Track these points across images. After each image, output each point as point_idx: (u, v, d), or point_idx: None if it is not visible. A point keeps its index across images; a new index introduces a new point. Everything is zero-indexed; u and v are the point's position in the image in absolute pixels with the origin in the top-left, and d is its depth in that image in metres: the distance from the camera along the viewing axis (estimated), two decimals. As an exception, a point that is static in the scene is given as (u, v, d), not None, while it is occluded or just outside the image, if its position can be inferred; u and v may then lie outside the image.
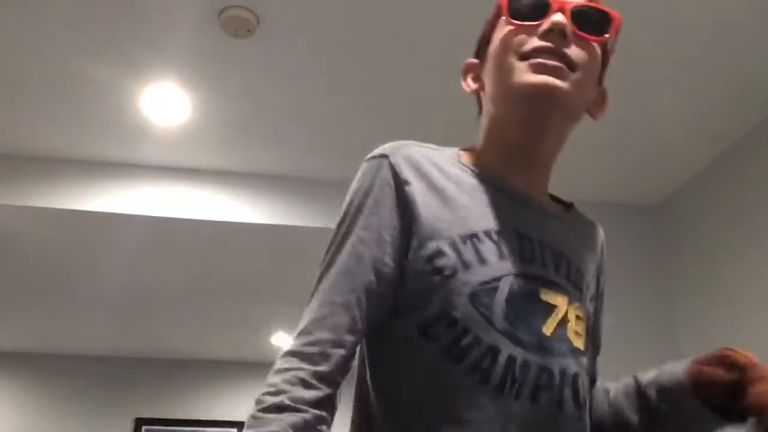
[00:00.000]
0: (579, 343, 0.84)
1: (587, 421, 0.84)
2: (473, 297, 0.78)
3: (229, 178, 3.42)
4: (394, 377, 0.81)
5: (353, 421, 0.85)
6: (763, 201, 3.02)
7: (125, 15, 2.48)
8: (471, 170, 0.90)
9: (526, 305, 0.80)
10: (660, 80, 2.85)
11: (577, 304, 0.85)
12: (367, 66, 2.76)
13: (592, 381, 0.96)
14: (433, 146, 0.91)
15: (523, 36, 0.87)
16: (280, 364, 0.77)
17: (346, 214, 0.86)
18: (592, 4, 0.89)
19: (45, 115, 3.02)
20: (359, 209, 0.84)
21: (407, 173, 0.85)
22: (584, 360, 0.85)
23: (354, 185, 0.87)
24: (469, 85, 1.02)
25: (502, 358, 0.77)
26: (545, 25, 0.86)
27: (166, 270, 3.89)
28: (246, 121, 3.08)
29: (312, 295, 0.85)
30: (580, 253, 0.92)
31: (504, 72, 0.88)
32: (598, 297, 0.97)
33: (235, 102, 2.95)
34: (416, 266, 0.81)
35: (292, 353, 0.77)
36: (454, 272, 0.79)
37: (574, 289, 0.86)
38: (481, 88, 0.98)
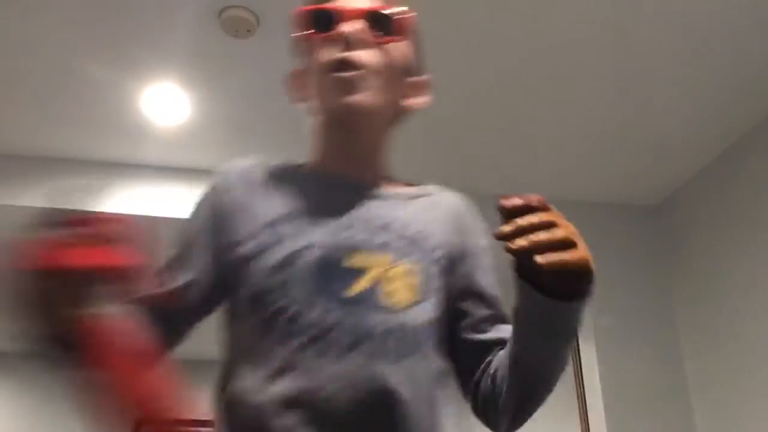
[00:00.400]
0: (396, 300, 0.85)
1: (414, 369, 0.84)
2: (272, 272, 0.85)
3: (229, 178, 3.42)
4: (231, 347, 0.94)
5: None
6: (764, 201, 3.02)
7: (125, 15, 2.48)
8: (300, 169, 0.99)
9: (327, 272, 0.85)
10: (660, 80, 2.84)
11: (403, 265, 0.87)
12: (367, 66, 2.76)
13: (474, 329, 0.94)
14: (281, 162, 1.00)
15: (324, 50, 0.92)
16: None
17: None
18: (384, 7, 0.93)
19: (45, 115, 3.02)
20: (192, 213, 0.97)
21: (233, 180, 0.96)
22: (407, 315, 0.86)
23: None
24: (295, 96, 1.05)
25: (302, 323, 0.83)
26: (340, 36, 0.90)
27: (166, 270, 3.89)
28: (246, 121, 3.08)
29: None
30: (422, 220, 0.93)
31: (315, 88, 0.95)
32: (470, 255, 0.98)
33: (235, 102, 2.95)
34: (225, 258, 0.90)
35: None
36: (255, 255, 0.87)
37: (400, 251, 0.88)
38: (303, 98, 1.03)
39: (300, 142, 3.60)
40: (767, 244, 2.98)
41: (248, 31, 2.52)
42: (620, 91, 2.92)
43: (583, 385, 3.62)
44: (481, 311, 0.95)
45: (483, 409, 0.92)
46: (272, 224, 0.89)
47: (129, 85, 2.83)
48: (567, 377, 4.72)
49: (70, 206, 2.90)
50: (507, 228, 0.74)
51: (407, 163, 3.50)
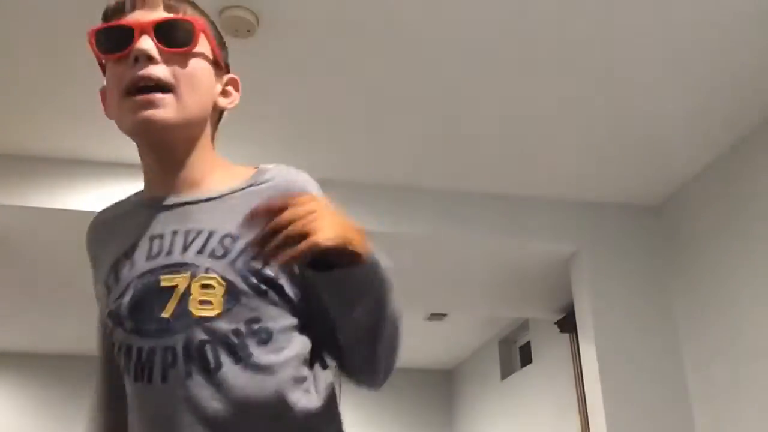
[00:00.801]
0: (207, 311, 0.86)
1: (239, 376, 0.85)
2: (110, 313, 0.91)
3: (229, 178, 3.42)
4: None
5: None
6: (763, 201, 3.02)
7: (125, 15, 2.48)
8: (133, 201, 0.99)
9: (147, 298, 0.87)
10: (660, 81, 2.84)
11: (208, 274, 0.87)
12: (367, 66, 2.76)
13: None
14: (131, 197, 1.01)
15: (119, 69, 0.91)
16: None
17: None
18: (172, 17, 0.92)
19: (45, 116, 3.02)
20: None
21: (91, 239, 1.02)
22: (222, 323, 0.86)
23: None
24: (106, 112, 0.97)
25: (133, 353, 0.87)
26: (132, 53, 0.89)
27: (166, 270, 3.89)
28: (245, 121, 3.08)
29: None
30: (232, 219, 0.91)
31: (116, 110, 0.92)
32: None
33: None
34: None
35: None
36: (104, 298, 0.94)
37: (211, 258, 0.88)
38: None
39: (300, 142, 3.60)
40: (766, 243, 2.98)
41: (248, 31, 2.52)
42: (620, 91, 2.92)
43: (583, 385, 3.62)
44: None
45: (346, 374, 0.96)
46: (113, 267, 0.93)
47: (129, 85, 2.83)
48: (567, 377, 4.74)
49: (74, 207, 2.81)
50: (258, 242, 0.77)
51: (410, 161, 3.47)
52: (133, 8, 0.93)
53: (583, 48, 2.67)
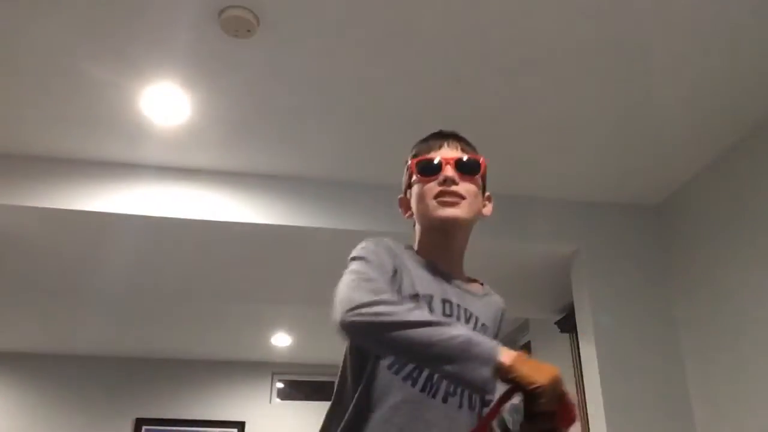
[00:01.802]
0: None
1: (474, 419, 1.28)
2: None
3: (229, 178, 3.42)
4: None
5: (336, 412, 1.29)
6: (763, 201, 3.02)
7: (125, 15, 2.48)
8: (415, 254, 1.42)
9: None
10: (660, 80, 2.84)
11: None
12: (367, 66, 2.76)
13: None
14: (392, 241, 1.40)
15: (431, 185, 1.39)
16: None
17: (362, 254, 1.31)
18: (468, 156, 1.42)
19: (45, 115, 3.02)
20: (372, 254, 1.31)
21: (392, 252, 1.34)
22: None
23: (362, 248, 1.33)
24: (405, 214, 1.51)
25: (425, 372, 1.25)
26: (440, 177, 1.38)
27: (166, 270, 3.89)
28: (246, 121, 3.08)
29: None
30: (486, 315, 1.40)
31: (425, 209, 1.40)
32: (497, 336, 1.43)
33: (235, 102, 2.95)
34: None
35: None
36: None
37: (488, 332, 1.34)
38: (411, 215, 1.47)
39: (300, 142, 3.59)
40: (766, 243, 2.98)
41: (248, 31, 2.52)
42: (620, 91, 2.92)
43: (583, 385, 3.62)
44: None
45: None
46: (414, 296, 1.30)
47: (129, 85, 2.83)
48: (567, 377, 4.74)
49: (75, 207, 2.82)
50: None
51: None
52: (441, 147, 1.44)
53: (583, 48, 2.67)
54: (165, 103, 2.93)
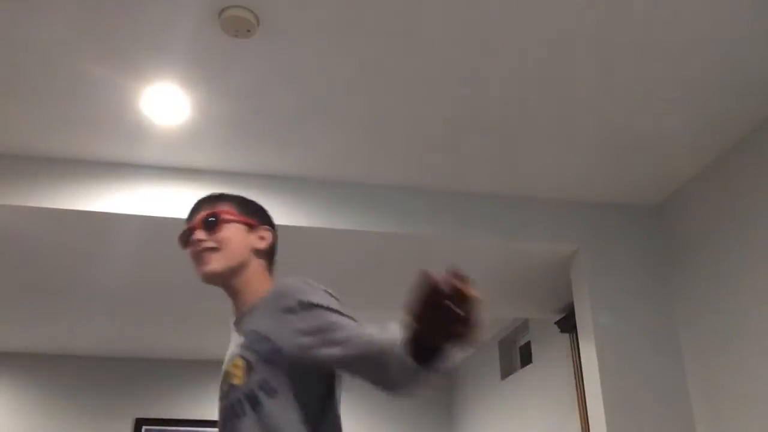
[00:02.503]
0: (236, 381, 1.41)
1: (250, 424, 1.36)
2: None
3: (229, 178, 3.42)
4: None
5: None
6: (763, 201, 3.02)
7: (125, 15, 2.48)
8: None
9: (221, 406, 1.46)
10: (660, 80, 2.84)
11: (237, 361, 1.42)
12: (367, 66, 2.76)
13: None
14: None
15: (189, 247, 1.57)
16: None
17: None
18: (207, 212, 1.55)
19: (45, 115, 3.02)
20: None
21: None
22: (240, 389, 1.40)
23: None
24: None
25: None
26: (193, 240, 1.55)
27: (166, 270, 3.88)
28: (246, 121, 3.08)
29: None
30: (255, 325, 1.44)
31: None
32: (296, 333, 1.39)
33: (235, 102, 2.95)
34: None
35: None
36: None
37: (243, 351, 1.42)
38: None
39: (300, 142, 3.59)
40: (766, 243, 2.98)
41: (248, 31, 2.52)
42: (620, 91, 2.92)
43: (583, 385, 3.62)
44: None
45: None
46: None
47: (129, 85, 2.83)
48: (567, 377, 4.73)
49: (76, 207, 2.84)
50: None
51: (411, 161, 3.47)
52: (191, 218, 1.58)
53: (582, 48, 2.67)
54: (165, 103, 2.93)
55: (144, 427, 5.99)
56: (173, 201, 3.35)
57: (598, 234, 3.68)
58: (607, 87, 2.89)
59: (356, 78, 2.82)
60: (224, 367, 1.46)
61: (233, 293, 1.55)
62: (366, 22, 2.54)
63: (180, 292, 4.22)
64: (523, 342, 5.64)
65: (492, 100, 2.96)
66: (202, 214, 1.56)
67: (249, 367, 1.37)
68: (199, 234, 1.53)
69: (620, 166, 3.44)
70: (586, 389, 3.49)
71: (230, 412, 1.38)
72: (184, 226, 1.58)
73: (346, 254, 3.68)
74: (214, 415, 6.65)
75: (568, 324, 4.18)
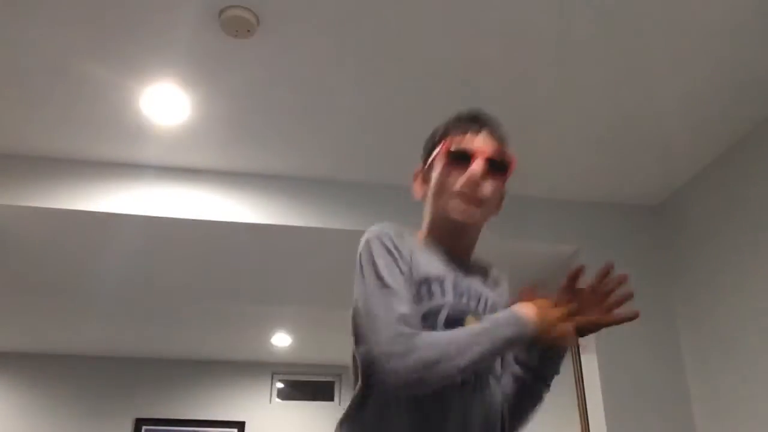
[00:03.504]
0: None
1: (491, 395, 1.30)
2: (424, 318, 1.22)
3: (229, 178, 3.42)
4: None
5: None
6: (764, 201, 3.02)
7: (125, 15, 2.48)
8: (425, 239, 1.37)
9: (457, 326, 1.23)
10: (660, 80, 2.84)
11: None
12: (367, 66, 2.76)
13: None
14: (397, 226, 1.33)
15: (455, 177, 1.32)
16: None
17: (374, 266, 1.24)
18: (500, 154, 1.34)
19: (45, 115, 3.02)
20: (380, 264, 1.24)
21: (398, 235, 1.28)
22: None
23: (377, 248, 1.25)
24: (417, 191, 1.44)
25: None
26: (469, 171, 1.30)
27: (166, 270, 3.89)
28: (246, 121, 3.08)
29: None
30: (493, 292, 1.38)
31: (444, 203, 1.33)
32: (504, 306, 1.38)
33: (235, 102, 2.95)
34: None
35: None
36: (420, 300, 1.24)
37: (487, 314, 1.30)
38: (425, 194, 1.40)
39: (300, 142, 3.58)
40: (766, 243, 2.98)
41: (248, 31, 2.52)
42: (620, 92, 2.91)
43: (583, 385, 3.61)
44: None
45: None
46: (425, 280, 1.26)
47: (129, 85, 2.83)
48: (567, 377, 4.73)
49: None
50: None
51: (411, 161, 3.49)
52: (477, 134, 1.34)
53: (582, 48, 2.67)
54: (165, 103, 2.93)
55: (144, 427, 5.99)
56: (173, 201, 3.35)
57: (598, 234, 3.68)
58: (607, 87, 2.89)
59: (356, 78, 2.82)
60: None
61: (462, 241, 1.38)
62: (366, 22, 2.54)
63: (180, 292, 4.22)
64: (523, 342, 5.63)
65: (492, 100, 2.95)
66: (495, 147, 1.34)
67: None
68: (481, 168, 1.30)
69: (620, 166, 3.44)
70: (586, 391, 3.49)
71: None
72: (464, 141, 1.33)
73: (345, 254, 3.67)
74: (214, 415, 6.65)
75: (568, 324, 4.17)
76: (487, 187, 1.31)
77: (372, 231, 1.27)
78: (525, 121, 3.10)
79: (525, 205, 3.65)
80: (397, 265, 1.22)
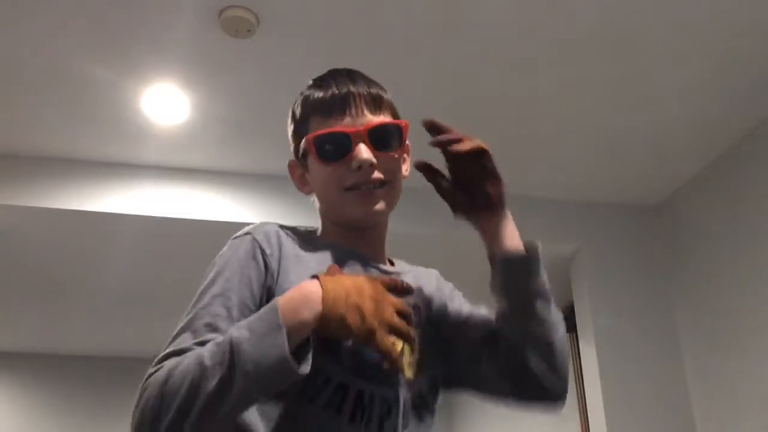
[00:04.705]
0: (409, 373, 0.97)
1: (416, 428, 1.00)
2: (320, 342, 0.87)
3: (229, 178, 3.42)
4: (261, 414, 0.91)
5: None
6: (763, 201, 3.02)
7: (125, 15, 2.48)
8: (321, 241, 1.07)
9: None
10: (660, 80, 2.84)
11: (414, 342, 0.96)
12: (367, 66, 2.75)
13: (492, 334, 1.08)
14: (288, 226, 1.06)
15: (340, 172, 1.02)
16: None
17: (211, 278, 0.99)
18: (383, 122, 1.05)
19: (45, 115, 3.02)
20: (221, 274, 0.98)
21: (265, 245, 0.98)
22: (417, 386, 0.99)
23: (219, 258, 1.02)
24: (300, 187, 1.15)
25: (352, 393, 0.91)
26: (353, 163, 1.00)
27: (166, 270, 3.89)
28: (246, 121, 3.08)
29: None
30: (417, 291, 1.04)
31: (333, 201, 1.05)
32: (452, 297, 1.14)
33: (235, 102, 2.95)
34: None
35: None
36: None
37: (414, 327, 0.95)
38: (311, 190, 1.11)
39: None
40: (766, 244, 2.98)
41: (248, 31, 2.52)
42: (620, 92, 2.92)
43: (583, 385, 3.62)
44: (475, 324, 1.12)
45: (525, 386, 1.04)
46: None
47: (129, 85, 2.83)
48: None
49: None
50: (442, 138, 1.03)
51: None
52: (344, 111, 1.04)
53: (582, 48, 2.67)
54: (165, 103, 2.93)
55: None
56: (173, 201, 3.35)
57: (598, 234, 3.68)
58: (607, 87, 2.89)
59: (356, 78, 2.82)
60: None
61: (369, 238, 1.08)
62: (366, 22, 2.54)
63: (180, 291, 4.22)
64: (523, 342, 5.63)
65: (491, 100, 2.96)
66: (371, 117, 1.04)
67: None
68: (367, 154, 1.01)
69: (620, 166, 3.44)
70: (585, 389, 3.49)
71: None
72: (331, 122, 1.03)
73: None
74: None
75: (568, 324, 4.16)
76: (381, 168, 1.03)
77: (234, 238, 1.05)
78: (525, 121, 3.10)
79: (525, 205, 3.64)
80: (242, 281, 0.96)
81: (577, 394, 4.12)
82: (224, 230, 3.68)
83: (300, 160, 1.12)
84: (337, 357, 0.91)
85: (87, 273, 3.92)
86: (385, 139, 1.04)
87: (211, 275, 1.00)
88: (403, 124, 1.09)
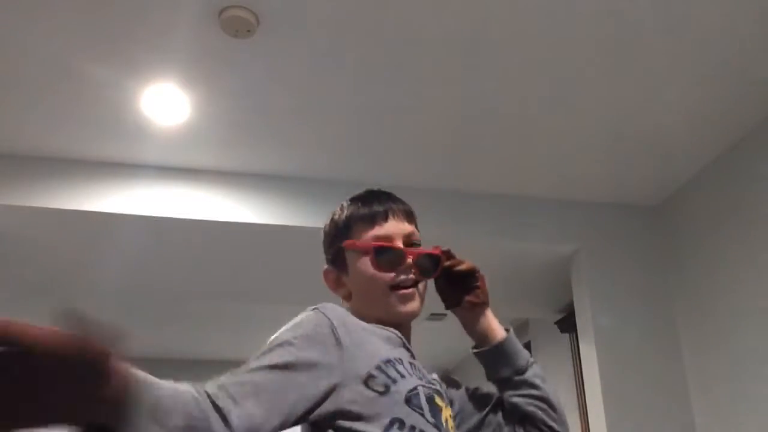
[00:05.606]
0: None
1: None
2: (408, 401, 1.06)
3: (229, 178, 3.42)
4: None
5: None
6: (763, 201, 3.02)
7: (125, 15, 2.48)
8: (373, 325, 1.19)
9: (433, 405, 1.10)
10: (660, 80, 2.84)
11: (449, 410, 1.18)
12: (367, 66, 2.76)
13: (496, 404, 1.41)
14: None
15: (380, 271, 1.21)
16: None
17: (288, 342, 1.08)
18: (428, 252, 1.28)
19: (45, 115, 3.01)
20: (296, 342, 1.08)
21: (338, 325, 1.10)
22: None
23: (297, 327, 1.11)
24: (337, 292, 1.30)
25: None
26: (400, 270, 1.21)
27: (166, 270, 3.88)
28: (246, 121, 3.08)
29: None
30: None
31: (378, 299, 1.22)
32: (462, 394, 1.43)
33: (235, 102, 2.95)
34: (351, 391, 1.05)
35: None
36: (387, 388, 1.07)
37: (446, 398, 1.20)
38: (348, 295, 1.28)
39: (300, 142, 3.58)
40: (766, 244, 2.98)
41: (248, 31, 2.52)
42: (620, 91, 2.92)
43: (583, 385, 3.62)
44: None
45: None
46: (387, 362, 1.10)
47: (129, 85, 2.83)
48: (567, 377, 4.73)
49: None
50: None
51: (411, 161, 3.47)
52: (386, 220, 1.28)
53: (583, 48, 2.67)
54: (165, 103, 2.93)
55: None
56: (173, 201, 3.35)
57: (598, 234, 3.68)
58: (607, 87, 2.89)
59: (356, 78, 2.82)
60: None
61: (407, 325, 1.27)
62: (366, 22, 2.54)
63: (180, 292, 4.22)
64: (523, 342, 5.63)
65: (492, 100, 2.96)
66: (410, 230, 1.29)
67: None
68: (412, 267, 1.23)
69: (620, 166, 3.44)
70: (586, 389, 3.49)
71: None
72: (381, 232, 1.25)
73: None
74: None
75: (568, 324, 4.18)
76: (420, 284, 1.25)
77: (305, 316, 1.13)
78: (525, 121, 3.10)
79: (525, 205, 3.65)
80: (306, 368, 1.03)
81: (577, 394, 4.12)
82: (224, 230, 3.70)
83: (335, 264, 1.29)
84: (417, 408, 1.09)
85: (86, 273, 3.91)
86: (427, 268, 1.27)
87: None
88: (440, 252, 1.31)
